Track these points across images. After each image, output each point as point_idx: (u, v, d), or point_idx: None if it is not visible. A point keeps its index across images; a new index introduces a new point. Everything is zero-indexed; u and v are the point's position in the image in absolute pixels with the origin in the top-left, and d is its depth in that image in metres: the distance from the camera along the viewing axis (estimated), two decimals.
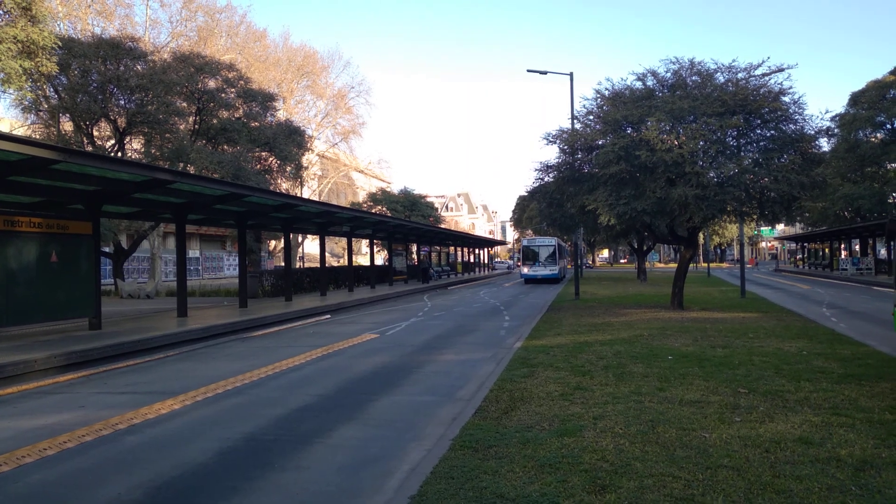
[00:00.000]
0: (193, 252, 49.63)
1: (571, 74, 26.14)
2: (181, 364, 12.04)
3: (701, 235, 44.63)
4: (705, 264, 59.86)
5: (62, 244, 14.89)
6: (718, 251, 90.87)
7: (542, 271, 45.53)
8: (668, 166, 15.92)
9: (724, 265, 79.43)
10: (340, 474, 5.76)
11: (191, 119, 28.73)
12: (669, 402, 7.48)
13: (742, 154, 17.25)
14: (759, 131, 17.72)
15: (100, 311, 16.01)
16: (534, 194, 23.82)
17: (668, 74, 18.36)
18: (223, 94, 28.86)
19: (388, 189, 60.11)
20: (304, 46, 49.62)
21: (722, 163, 16.76)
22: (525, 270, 46.59)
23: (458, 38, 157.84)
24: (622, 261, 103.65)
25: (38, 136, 25.51)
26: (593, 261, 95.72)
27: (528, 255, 46.58)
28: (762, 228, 31.42)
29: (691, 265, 46.68)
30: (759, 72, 17.49)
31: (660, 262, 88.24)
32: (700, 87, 17.43)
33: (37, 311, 14.45)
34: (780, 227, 29.00)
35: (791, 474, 5.12)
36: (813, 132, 17.16)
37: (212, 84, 28.63)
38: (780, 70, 17.40)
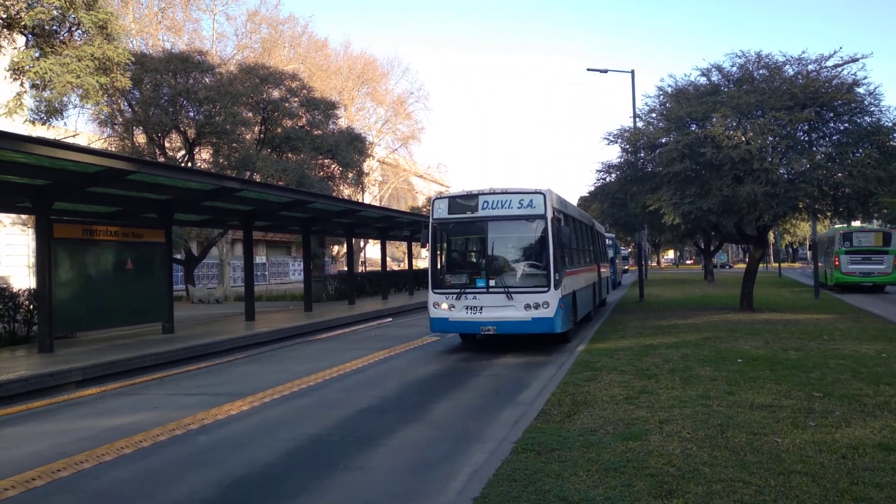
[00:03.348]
0: (260, 258, 50.93)
1: (633, 72, 25.68)
2: (249, 366, 12.37)
3: (771, 234, 43.01)
4: (776, 264, 57.79)
5: (137, 252, 15.52)
6: (790, 251, 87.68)
7: (499, 312, 12.20)
8: (734, 163, 15.44)
9: (797, 265, 76.57)
10: (404, 475, 5.81)
11: (256, 129, 29.51)
12: (739, 407, 7.25)
13: (814, 149, 16.59)
14: (831, 125, 17.00)
15: (172, 315, 16.60)
16: (596, 195, 23.57)
17: (734, 69, 17.81)
18: (287, 104, 29.53)
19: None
20: (364, 54, 50.38)
21: (792, 158, 16.15)
22: (442, 309, 12.63)
23: (516, 39, 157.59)
24: (688, 262, 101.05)
25: (113, 149, 26.63)
26: (658, 262, 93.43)
27: (459, 258, 13.94)
28: (836, 226, 29.41)
29: (761, 265, 36.34)
30: (830, 63, 16.79)
31: (728, 262, 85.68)
32: (768, 81, 16.85)
33: (113, 315, 15.09)
34: (856, 224, 27.72)
35: (870, 481, 4.89)
36: (891, 124, 16.34)
37: (276, 94, 29.33)
38: (854, 60, 16.65)
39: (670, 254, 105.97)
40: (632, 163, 18.54)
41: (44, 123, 19.57)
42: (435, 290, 12.75)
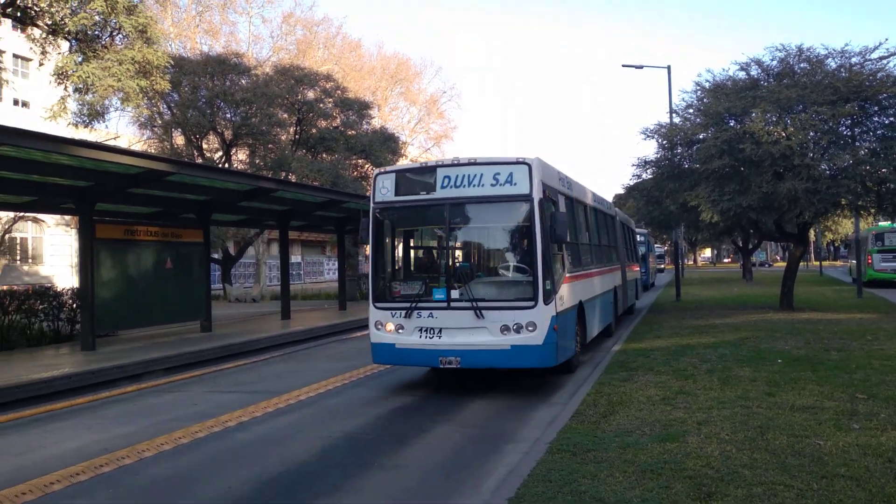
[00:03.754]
0: (295, 257, 51.48)
1: (669, 67, 25.35)
2: (285, 364, 12.50)
3: (812, 232, 41.97)
4: (817, 263, 56.54)
5: (176, 251, 15.80)
6: (831, 248, 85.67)
7: (464, 336, 8.73)
8: (775, 159, 15.12)
9: (838, 263, 74.72)
10: (438, 474, 5.82)
11: (291, 129, 29.85)
12: (779, 408, 7.10)
13: (857, 144, 16.15)
14: (876, 119, 16.53)
15: (210, 314, 16.86)
16: (631, 191, 23.25)
17: (774, 63, 17.43)
18: (321, 105, 29.81)
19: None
20: (398, 54, 50.72)
21: (835, 154, 15.76)
22: (387, 331, 9.25)
23: (550, 36, 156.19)
24: (725, 260, 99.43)
25: (153, 150, 27.22)
26: (695, 261, 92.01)
27: (410, 258, 10.87)
28: (880, 223, 28.21)
29: (802, 264, 33.63)
30: (875, 55, 16.32)
31: (767, 260, 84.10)
32: (809, 75, 16.46)
33: (153, 314, 15.39)
34: None
35: None
36: None
37: (310, 95, 29.64)
38: None
39: (707, 252, 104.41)
40: (668, 159, 18.30)
41: (86, 126, 20.08)
42: (377, 305, 9.28)
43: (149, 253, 15.13)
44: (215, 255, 32.89)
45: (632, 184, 21.21)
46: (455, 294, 8.76)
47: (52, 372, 10.54)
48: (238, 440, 7.02)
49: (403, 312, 8.94)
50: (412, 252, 10.73)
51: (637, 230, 25.34)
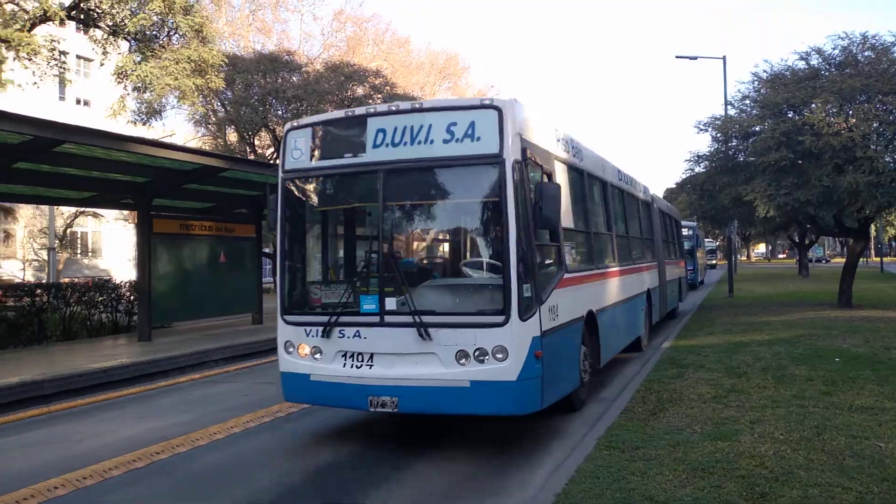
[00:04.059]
0: None
1: (724, 58, 24.73)
2: None
3: (873, 227, 40.53)
4: (877, 259, 54.49)
5: (229, 246, 16.17)
6: (893, 244, 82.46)
7: (404, 366, 5.97)
8: (835, 151, 14.62)
9: None
10: (485, 468, 5.82)
11: None
12: (837, 408, 6.87)
13: None
14: None
15: (261, 307, 17.20)
16: (683, 186, 22.83)
17: (836, 51, 16.84)
18: (370, 101, 29.98)
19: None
20: (446, 50, 50.62)
21: None
22: (300, 356, 6.46)
23: (600, 25, 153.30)
24: (780, 256, 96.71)
25: (207, 147, 27.84)
26: (748, 256, 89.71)
27: (331, 251, 7.47)
28: None
29: (861, 260, 30.02)
30: None
31: (824, 256, 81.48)
32: (874, 64, 15.84)
33: (207, 307, 15.79)
34: None
35: None
36: None
37: (360, 91, 29.85)
38: None
39: (761, 247, 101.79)
40: (723, 152, 17.90)
41: (144, 124, 20.69)
42: (287, 318, 6.69)
43: (203, 247, 15.51)
44: (267, 250, 33.50)
45: (684, 178, 20.83)
46: (391, 304, 6.12)
47: (110, 362, 10.91)
48: (288, 430, 7.17)
49: (321, 329, 6.33)
50: (335, 242, 7.59)
51: (685, 223, 23.20)
